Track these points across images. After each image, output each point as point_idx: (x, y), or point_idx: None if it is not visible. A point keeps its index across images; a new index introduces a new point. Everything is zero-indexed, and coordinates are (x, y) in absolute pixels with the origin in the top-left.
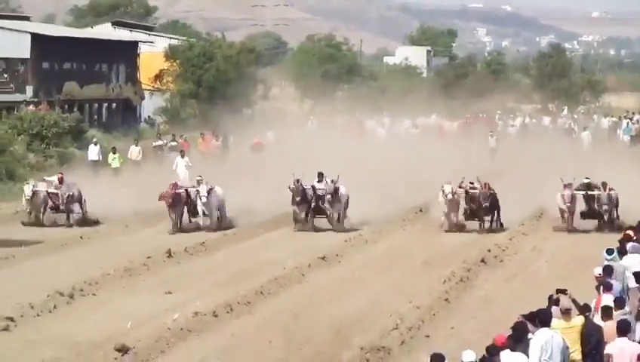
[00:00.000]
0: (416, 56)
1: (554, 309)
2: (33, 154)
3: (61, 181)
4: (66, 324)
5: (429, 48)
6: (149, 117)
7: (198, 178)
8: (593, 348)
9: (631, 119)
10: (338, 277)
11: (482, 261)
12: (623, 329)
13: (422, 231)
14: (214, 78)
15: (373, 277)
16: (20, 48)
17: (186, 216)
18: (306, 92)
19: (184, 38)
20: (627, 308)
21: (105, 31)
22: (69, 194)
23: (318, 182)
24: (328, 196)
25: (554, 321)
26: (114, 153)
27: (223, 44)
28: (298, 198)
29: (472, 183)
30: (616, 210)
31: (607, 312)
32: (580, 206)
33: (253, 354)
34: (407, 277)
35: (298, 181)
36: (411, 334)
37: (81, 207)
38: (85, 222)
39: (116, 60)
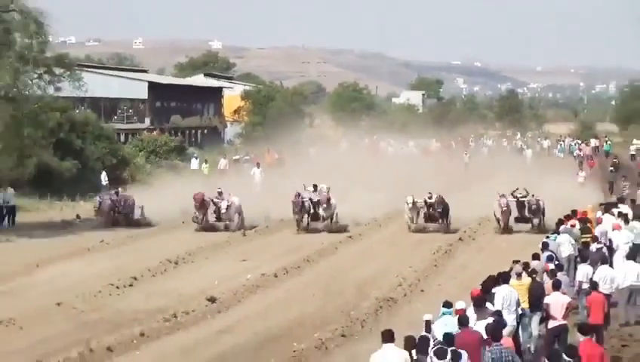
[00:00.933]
0: (415, 97)
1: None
2: (150, 165)
3: (117, 194)
4: (172, 282)
5: (423, 92)
6: (230, 139)
7: (219, 190)
8: (537, 299)
9: (564, 141)
10: (361, 249)
11: (460, 239)
12: (556, 285)
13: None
14: (275, 112)
15: (384, 250)
16: (141, 92)
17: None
18: (338, 122)
19: (254, 85)
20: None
21: (199, 80)
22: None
23: (313, 192)
24: (323, 205)
25: (511, 281)
26: (206, 163)
27: (281, 89)
28: (297, 209)
29: (430, 194)
30: (543, 216)
31: (550, 274)
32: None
33: (302, 302)
34: (407, 250)
35: (299, 195)
36: (411, 289)
37: (141, 212)
38: (139, 224)
39: (207, 100)
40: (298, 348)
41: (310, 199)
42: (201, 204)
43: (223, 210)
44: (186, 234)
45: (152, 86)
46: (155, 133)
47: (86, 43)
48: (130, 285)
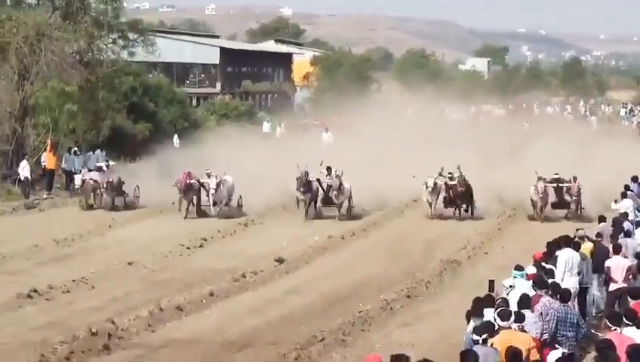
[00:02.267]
0: (481, 64)
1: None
2: (220, 128)
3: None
4: (241, 243)
5: (489, 59)
6: (299, 104)
7: (207, 171)
8: (599, 262)
9: (626, 107)
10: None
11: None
12: (617, 249)
13: None
14: (343, 78)
15: (450, 213)
16: (213, 57)
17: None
18: (405, 88)
19: (323, 51)
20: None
21: (270, 46)
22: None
23: (327, 175)
24: (334, 191)
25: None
26: (280, 127)
27: (350, 55)
28: (302, 188)
29: (450, 174)
30: (581, 203)
31: (612, 238)
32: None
33: (367, 264)
34: (474, 214)
35: (306, 173)
36: (475, 252)
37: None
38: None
39: (277, 66)
40: (364, 308)
41: (319, 181)
42: (187, 188)
43: (212, 190)
44: (256, 195)
45: (224, 51)
46: (226, 97)
47: (159, 9)
48: (200, 246)
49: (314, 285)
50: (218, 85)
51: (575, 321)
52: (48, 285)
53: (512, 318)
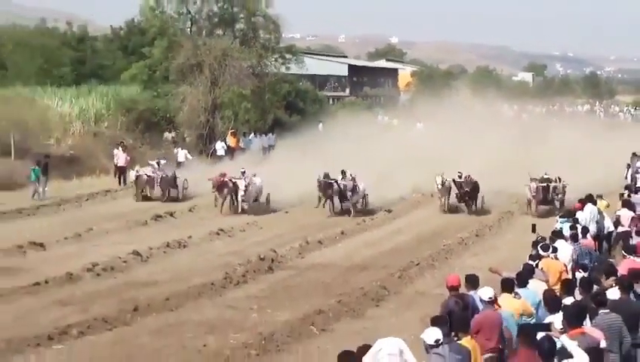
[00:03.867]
0: (527, 77)
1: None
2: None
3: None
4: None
5: (533, 73)
6: (402, 104)
7: (242, 170)
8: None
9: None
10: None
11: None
12: (626, 204)
13: None
14: (433, 86)
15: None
16: (343, 71)
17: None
18: (475, 94)
19: (419, 67)
20: None
21: (382, 63)
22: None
23: (342, 178)
24: (349, 191)
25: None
26: (388, 119)
27: (437, 70)
28: (320, 189)
29: (460, 173)
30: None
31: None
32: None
33: (445, 216)
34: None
35: (325, 175)
36: (473, 240)
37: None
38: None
39: (388, 77)
40: (446, 243)
41: (336, 182)
42: (221, 186)
43: (241, 191)
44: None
45: (351, 67)
46: (353, 99)
47: (306, 38)
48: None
49: (411, 228)
50: (347, 90)
51: (588, 252)
52: (230, 226)
53: (550, 250)
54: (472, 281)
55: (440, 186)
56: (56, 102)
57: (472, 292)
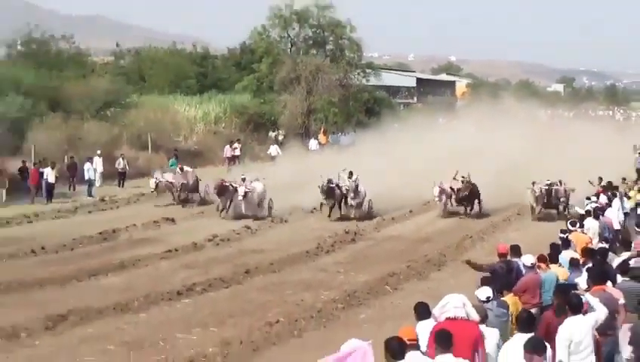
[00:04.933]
0: (559, 88)
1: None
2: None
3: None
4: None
5: (564, 85)
6: (458, 109)
7: (242, 176)
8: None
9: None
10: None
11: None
12: None
13: None
14: (484, 95)
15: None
16: (411, 83)
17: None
18: (518, 102)
19: (473, 79)
20: None
21: (443, 77)
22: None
23: (348, 178)
24: (351, 193)
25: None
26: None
27: (487, 82)
28: (324, 195)
29: (462, 178)
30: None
31: None
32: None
33: (451, 221)
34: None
35: (329, 181)
36: (515, 218)
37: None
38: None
39: (447, 88)
40: (493, 220)
41: (337, 186)
42: (221, 190)
43: (240, 198)
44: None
45: (418, 80)
46: (419, 104)
47: (383, 56)
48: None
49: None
50: (415, 98)
51: (606, 227)
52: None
53: (578, 225)
54: (516, 250)
55: (437, 192)
56: (184, 107)
57: (515, 259)
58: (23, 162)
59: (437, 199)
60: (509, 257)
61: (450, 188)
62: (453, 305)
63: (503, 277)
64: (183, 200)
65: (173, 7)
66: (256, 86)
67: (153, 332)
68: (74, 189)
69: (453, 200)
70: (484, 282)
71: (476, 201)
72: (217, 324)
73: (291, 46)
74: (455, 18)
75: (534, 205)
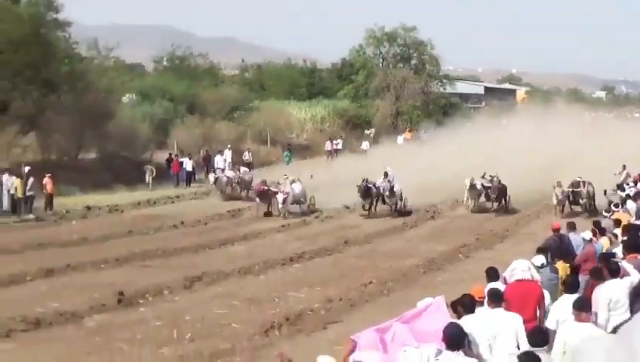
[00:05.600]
0: (602, 95)
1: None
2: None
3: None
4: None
5: (605, 92)
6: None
7: (285, 176)
8: None
9: None
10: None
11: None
12: None
13: None
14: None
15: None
16: (480, 90)
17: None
18: (569, 107)
19: (531, 88)
20: None
21: (507, 85)
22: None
23: (384, 178)
24: (387, 192)
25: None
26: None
27: (542, 90)
28: (360, 194)
29: (490, 177)
30: (594, 201)
31: None
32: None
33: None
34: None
35: (364, 180)
36: (534, 217)
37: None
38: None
39: (509, 95)
40: (548, 202)
41: (374, 185)
42: (261, 194)
43: (280, 204)
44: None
45: (486, 88)
46: (485, 108)
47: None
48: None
49: (521, 194)
50: (483, 103)
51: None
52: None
53: (620, 207)
54: (572, 226)
55: (468, 186)
56: (296, 110)
57: (570, 234)
58: (170, 154)
59: (466, 193)
60: (561, 232)
61: (482, 185)
62: (520, 269)
63: (555, 248)
64: (234, 197)
65: (289, 30)
66: (354, 93)
67: (270, 290)
68: (208, 176)
69: (483, 197)
70: (539, 251)
71: (504, 199)
72: (321, 285)
73: (382, 61)
74: (518, 37)
75: (556, 205)
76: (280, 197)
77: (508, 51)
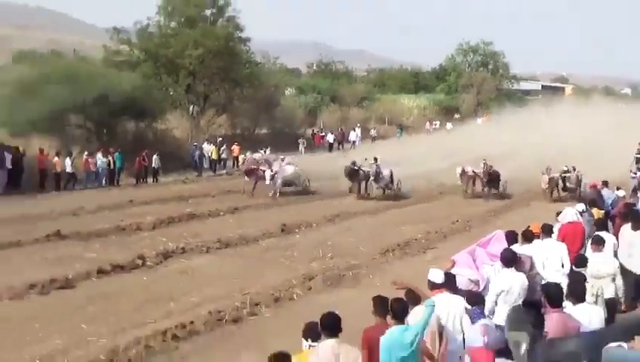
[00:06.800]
0: (630, 91)
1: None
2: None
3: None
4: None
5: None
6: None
7: (282, 157)
8: None
9: None
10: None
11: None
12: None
13: None
14: (583, 97)
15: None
16: (537, 87)
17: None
18: (609, 103)
19: (574, 85)
20: None
21: (557, 84)
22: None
23: (373, 163)
24: (372, 176)
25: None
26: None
27: (588, 88)
28: (346, 174)
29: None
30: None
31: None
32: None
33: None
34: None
35: (353, 163)
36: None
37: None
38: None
39: (559, 91)
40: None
41: (360, 168)
42: (249, 172)
43: (268, 181)
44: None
45: (542, 86)
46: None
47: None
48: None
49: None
50: (539, 96)
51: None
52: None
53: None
54: (605, 183)
55: (459, 174)
56: (406, 101)
57: (603, 189)
58: (312, 130)
59: (459, 180)
60: (598, 188)
61: (473, 171)
62: (570, 214)
63: (591, 199)
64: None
65: (401, 42)
66: (447, 89)
67: (386, 226)
68: (342, 147)
69: (477, 183)
70: (581, 201)
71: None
72: (423, 223)
73: (468, 66)
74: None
75: (546, 190)
76: (268, 174)
77: (559, 58)
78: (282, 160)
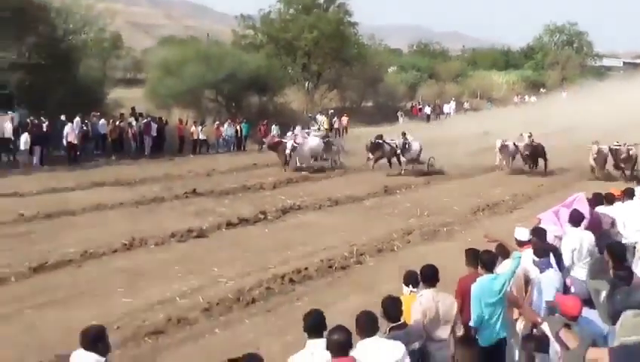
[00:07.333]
0: None
1: None
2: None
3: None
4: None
5: None
6: None
7: (307, 131)
8: None
9: None
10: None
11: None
12: None
13: None
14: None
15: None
16: (619, 64)
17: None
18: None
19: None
20: None
21: (638, 61)
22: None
23: (402, 138)
24: (399, 150)
25: None
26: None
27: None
28: (368, 148)
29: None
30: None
31: None
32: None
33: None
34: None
35: (377, 137)
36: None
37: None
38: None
39: (636, 67)
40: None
41: (386, 142)
42: (274, 146)
43: (287, 150)
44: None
45: (624, 62)
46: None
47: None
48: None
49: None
50: (621, 72)
51: None
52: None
53: None
54: None
55: (499, 148)
56: (496, 77)
57: None
58: (411, 104)
59: (498, 153)
60: None
61: (514, 145)
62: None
63: None
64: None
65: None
66: (534, 66)
67: (477, 188)
68: (439, 117)
69: (517, 157)
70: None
71: (541, 160)
72: (508, 186)
73: (554, 45)
74: None
75: (594, 165)
76: (289, 144)
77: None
78: (307, 134)
